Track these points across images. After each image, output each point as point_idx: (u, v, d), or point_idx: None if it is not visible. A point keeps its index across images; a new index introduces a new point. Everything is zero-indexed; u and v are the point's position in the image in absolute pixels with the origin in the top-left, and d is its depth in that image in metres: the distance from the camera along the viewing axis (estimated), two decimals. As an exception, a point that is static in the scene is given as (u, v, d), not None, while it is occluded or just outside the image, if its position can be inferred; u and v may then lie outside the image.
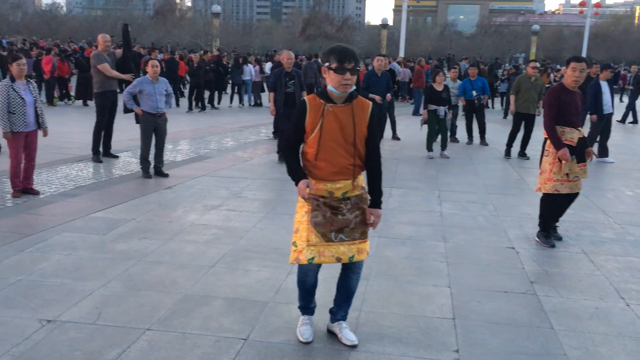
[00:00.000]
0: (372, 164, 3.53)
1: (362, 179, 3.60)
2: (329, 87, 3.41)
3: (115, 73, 9.32)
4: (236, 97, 20.83)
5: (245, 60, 21.46)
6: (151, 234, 5.82)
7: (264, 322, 3.97)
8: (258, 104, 20.76)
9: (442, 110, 10.95)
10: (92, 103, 15.03)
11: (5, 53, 19.66)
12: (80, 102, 18.17)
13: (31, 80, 7.06)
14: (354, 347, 3.65)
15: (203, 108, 18.16)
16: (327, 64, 3.37)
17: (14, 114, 6.74)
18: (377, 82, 10.83)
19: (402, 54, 30.18)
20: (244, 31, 70.79)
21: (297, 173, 3.48)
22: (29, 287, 4.41)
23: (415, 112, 18.82)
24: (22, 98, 6.76)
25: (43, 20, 60.63)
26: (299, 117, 3.45)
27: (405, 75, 22.82)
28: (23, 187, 7.06)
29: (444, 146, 11.22)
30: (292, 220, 6.44)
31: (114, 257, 5.13)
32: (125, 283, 4.57)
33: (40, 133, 7.17)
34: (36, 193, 7.13)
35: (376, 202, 3.55)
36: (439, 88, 11.05)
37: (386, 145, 10.97)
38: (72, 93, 18.71)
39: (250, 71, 20.38)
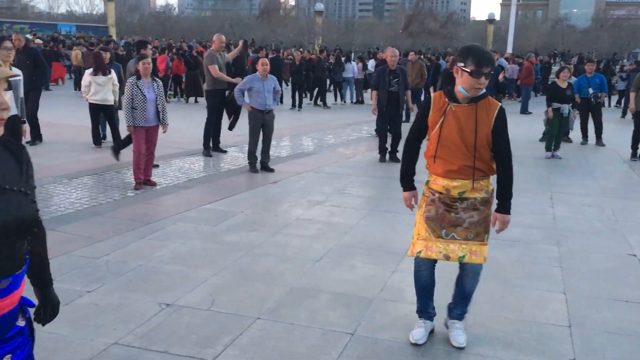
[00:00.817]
0: (500, 169, 3.42)
1: (490, 182, 3.49)
2: (459, 88, 3.31)
3: (221, 75, 9.60)
4: (333, 95, 20.97)
5: (348, 58, 21.56)
6: (259, 226, 6.00)
7: (370, 318, 3.98)
8: (360, 101, 20.80)
9: (566, 108, 10.46)
10: (202, 100, 15.77)
11: (123, 53, 20.96)
12: (192, 99, 19.07)
13: (156, 79, 7.49)
14: (461, 349, 3.58)
15: (300, 106, 18.38)
16: (461, 64, 3.25)
17: (136, 109, 7.18)
18: None
19: (509, 49, 29.13)
20: (346, 29, 71.22)
21: (406, 177, 3.59)
22: (148, 272, 4.69)
23: (524, 111, 18.09)
24: (144, 95, 7.18)
25: (157, 21, 64.11)
26: (423, 113, 3.44)
27: (513, 72, 21.99)
28: (144, 178, 7.51)
29: (557, 146, 10.71)
30: (396, 219, 6.45)
31: (224, 247, 5.34)
32: (235, 273, 4.74)
33: (160, 129, 7.58)
34: (153, 184, 7.55)
35: (503, 207, 3.45)
36: (563, 85, 10.57)
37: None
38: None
39: (353, 68, 20.43)
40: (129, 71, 9.59)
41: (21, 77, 6.11)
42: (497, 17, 71.34)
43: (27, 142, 9.41)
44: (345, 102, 20.58)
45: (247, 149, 8.82)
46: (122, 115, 10.49)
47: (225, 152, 10.08)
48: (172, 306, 4.07)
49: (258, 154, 8.74)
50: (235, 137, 11.53)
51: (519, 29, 45.28)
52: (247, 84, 8.42)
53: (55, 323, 3.74)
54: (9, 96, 1.63)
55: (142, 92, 7.18)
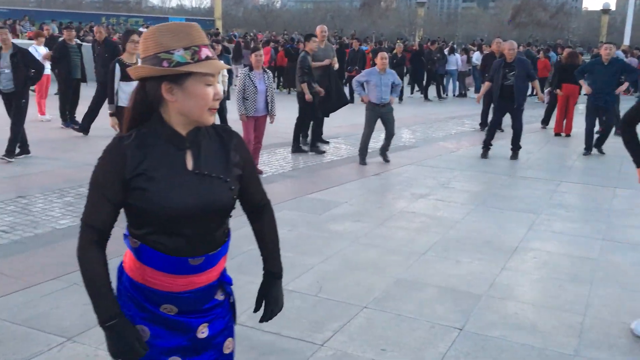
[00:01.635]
0: None
1: None
2: None
3: (315, 65, 9.61)
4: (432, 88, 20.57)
5: (452, 50, 21.10)
6: (363, 217, 6.04)
7: (478, 315, 3.92)
8: (463, 94, 20.32)
9: None
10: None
11: (229, 45, 21.63)
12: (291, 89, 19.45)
13: (267, 71, 7.71)
14: None
15: (400, 99, 18.17)
16: None
17: (247, 99, 7.43)
18: (602, 72, 9.84)
19: (626, 41, 27.31)
20: (448, 20, 69.67)
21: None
22: (259, 256, 4.85)
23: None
24: (256, 86, 7.42)
25: (261, 14, 65.75)
26: None
27: (632, 65, 20.59)
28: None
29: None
30: (503, 215, 6.28)
31: (330, 236, 5.43)
32: (341, 261, 4.82)
33: (268, 119, 7.80)
34: (260, 172, 7.80)
35: None
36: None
37: (609, 142, 10.05)
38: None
39: (456, 61, 19.97)
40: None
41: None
42: (613, 7, 67.06)
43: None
44: (447, 95, 20.17)
45: (350, 140, 8.90)
46: (230, 105, 10.91)
47: (327, 142, 10.19)
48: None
49: (369, 146, 8.77)
50: (338, 128, 11.65)
51: (637, 19, 42.32)
52: (364, 76, 8.56)
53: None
54: (210, 89, 1.71)
55: (253, 83, 7.41)
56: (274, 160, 8.72)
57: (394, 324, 3.76)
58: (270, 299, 2.08)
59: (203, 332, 1.85)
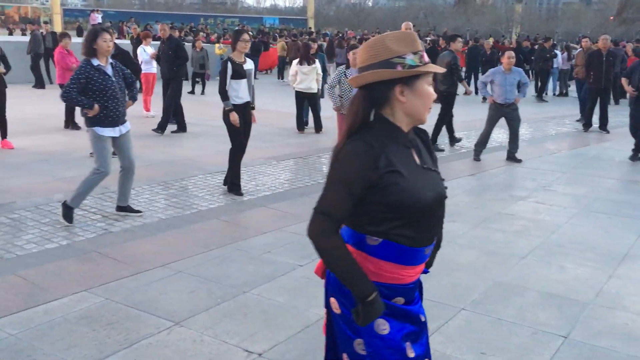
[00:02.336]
0: None
1: None
2: None
3: None
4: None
5: (553, 47, 20.20)
6: (459, 217, 5.92)
7: (585, 323, 3.75)
8: (564, 93, 19.42)
9: None
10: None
11: (317, 44, 21.82)
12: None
13: None
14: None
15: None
16: None
17: (342, 97, 7.48)
18: None
19: None
20: (547, 16, 66.80)
21: None
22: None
23: None
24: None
25: (353, 12, 65.87)
26: None
27: None
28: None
29: None
30: (610, 220, 5.95)
31: (425, 235, 5.37)
32: (438, 262, 4.72)
33: None
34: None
35: None
36: None
37: None
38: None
39: (558, 59, 19.09)
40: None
41: (253, 67, 6.62)
42: None
43: (172, 132, 10.22)
44: (547, 93, 19.35)
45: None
46: (323, 103, 11.04)
47: (459, 139, 10.02)
48: (378, 287, 4.20)
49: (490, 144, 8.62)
50: (461, 123, 11.48)
51: None
52: (489, 76, 8.55)
53: (274, 290, 4.11)
54: (431, 89, 1.87)
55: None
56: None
57: (494, 327, 3.67)
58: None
59: (422, 316, 2.02)
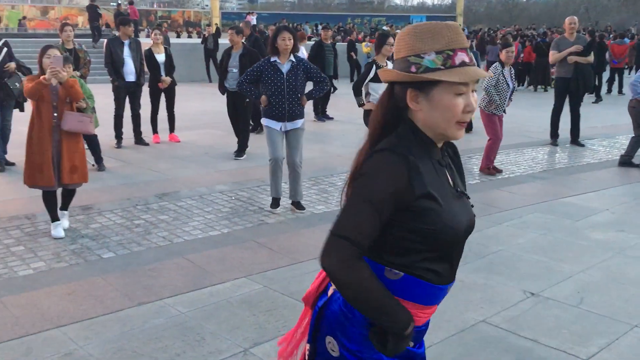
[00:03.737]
0: None
1: None
2: None
3: (557, 57, 8.93)
4: None
5: None
6: (628, 227, 5.44)
7: None
8: None
9: None
10: (552, 90, 15.00)
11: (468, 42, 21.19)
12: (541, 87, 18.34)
13: (512, 68, 7.39)
14: None
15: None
16: None
17: (498, 96, 7.18)
18: None
19: None
20: None
21: None
22: (509, 258, 4.68)
23: None
24: (508, 84, 7.16)
25: (505, 8, 63.24)
26: None
27: None
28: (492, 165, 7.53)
29: None
30: None
31: (589, 244, 4.99)
32: (605, 273, 4.39)
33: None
34: (499, 171, 7.48)
35: None
36: None
37: None
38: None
39: None
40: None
41: None
42: None
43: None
44: None
45: (608, 142, 8.09)
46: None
47: (582, 145, 9.37)
48: (538, 296, 3.98)
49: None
50: (592, 129, 10.71)
51: None
52: None
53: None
54: (459, 100, 1.52)
55: (506, 80, 7.15)
56: (522, 161, 8.31)
57: (675, 350, 3.31)
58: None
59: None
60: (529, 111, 13.50)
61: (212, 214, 5.62)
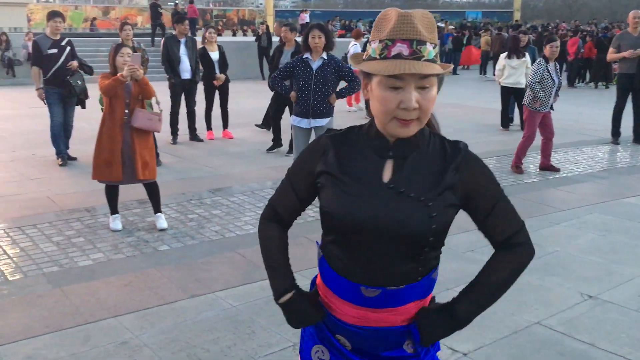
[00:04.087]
0: None
1: None
2: None
3: (614, 57, 8.57)
4: None
5: None
6: (694, 229, 5.19)
7: None
8: None
9: None
10: (614, 86, 14.47)
11: (527, 37, 20.62)
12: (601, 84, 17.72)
13: (556, 64, 7.16)
14: None
15: None
16: None
17: (544, 92, 6.96)
18: None
19: None
20: None
21: None
22: (566, 259, 4.54)
23: None
24: (553, 80, 6.94)
25: (565, 3, 61.38)
26: None
27: None
28: (541, 164, 7.32)
29: None
30: None
31: (652, 247, 4.80)
32: (669, 277, 4.21)
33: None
34: (556, 170, 7.27)
35: None
36: None
37: None
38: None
39: None
40: None
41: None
42: None
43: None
44: None
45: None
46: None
47: None
48: (595, 299, 3.85)
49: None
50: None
51: None
52: None
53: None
54: (392, 95, 1.42)
55: (551, 76, 6.93)
56: (581, 159, 8.05)
57: None
58: (426, 327, 1.54)
59: None
60: (589, 108, 13.07)
61: (264, 210, 5.68)
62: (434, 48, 1.40)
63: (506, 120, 10.43)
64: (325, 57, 5.62)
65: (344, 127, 1.60)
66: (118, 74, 4.79)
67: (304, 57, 5.66)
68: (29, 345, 3.23)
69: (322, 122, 5.68)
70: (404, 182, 1.45)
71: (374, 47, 1.42)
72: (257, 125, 9.98)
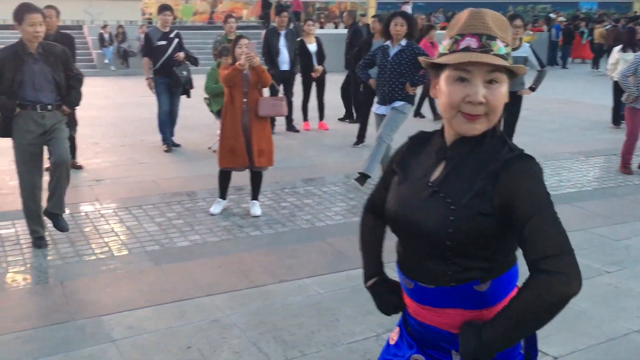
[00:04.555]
0: None
1: None
2: None
3: None
4: None
5: None
6: None
7: None
8: None
9: None
10: None
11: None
12: None
13: None
14: None
15: None
16: None
17: (639, 87, 6.48)
18: None
19: None
20: None
21: None
22: None
23: None
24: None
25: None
26: None
27: None
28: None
29: None
30: None
31: None
32: None
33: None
34: (629, 173, 6.79)
35: None
36: None
37: None
38: None
39: None
40: None
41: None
42: None
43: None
44: None
45: None
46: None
47: None
48: None
49: None
50: None
51: None
52: None
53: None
54: (449, 88, 1.42)
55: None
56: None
57: None
58: (461, 342, 1.42)
59: None
60: None
61: (355, 201, 5.72)
62: (505, 47, 1.38)
63: (617, 117, 9.81)
64: (404, 44, 5.64)
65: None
66: (236, 63, 4.99)
67: (384, 44, 5.83)
68: (130, 317, 3.46)
69: (397, 104, 5.79)
70: (444, 183, 1.44)
71: (444, 44, 1.43)
72: (340, 120, 10.00)
